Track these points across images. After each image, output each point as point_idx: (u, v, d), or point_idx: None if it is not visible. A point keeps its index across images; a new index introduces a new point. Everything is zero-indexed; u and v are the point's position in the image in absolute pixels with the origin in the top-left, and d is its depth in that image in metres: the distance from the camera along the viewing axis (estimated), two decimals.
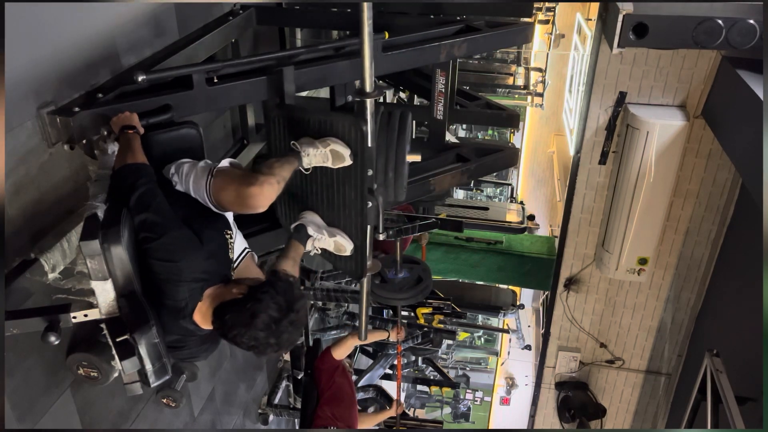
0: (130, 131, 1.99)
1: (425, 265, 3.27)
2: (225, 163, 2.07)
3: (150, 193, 1.81)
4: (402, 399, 5.00)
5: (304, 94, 4.71)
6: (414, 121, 4.73)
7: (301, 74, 2.62)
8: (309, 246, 2.47)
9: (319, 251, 2.53)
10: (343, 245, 2.51)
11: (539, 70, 8.96)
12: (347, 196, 2.42)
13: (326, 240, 2.49)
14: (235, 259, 2.12)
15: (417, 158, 2.72)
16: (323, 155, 2.29)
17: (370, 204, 2.41)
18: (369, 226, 2.49)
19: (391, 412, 4.63)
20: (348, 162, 2.31)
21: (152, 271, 1.78)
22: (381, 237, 2.59)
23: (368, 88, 2.21)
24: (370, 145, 2.30)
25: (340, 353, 4.06)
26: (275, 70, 2.55)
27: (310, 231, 2.47)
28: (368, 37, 2.07)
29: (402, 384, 10.04)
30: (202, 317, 1.82)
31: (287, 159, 2.20)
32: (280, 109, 2.51)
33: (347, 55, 2.81)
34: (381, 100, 2.27)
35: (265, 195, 1.92)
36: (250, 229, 2.68)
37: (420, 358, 6.71)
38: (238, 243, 2.17)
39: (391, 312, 6.04)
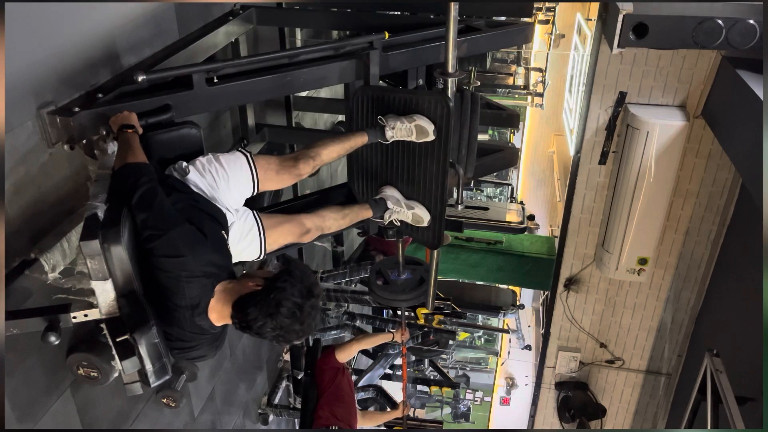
0: (128, 130, 1.99)
1: (428, 266, 3.26)
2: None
3: (151, 192, 1.80)
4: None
5: (304, 94, 4.73)
6: None
7: (389, 57, 2.85)
8: (387, 217, 2.67)
9: (398, 223, 2.70)
10: (422, 217, 2.69)
11: (539, 70, 8.96)
12: (428, 170, 2.59)
13: (405, 212, 2.67)
14: (259, 234, 2.17)
15: (486, 137, 2.84)
16: (408, 129, 2.49)
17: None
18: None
19: (398, 413, 4.61)
20: (431, 137, 2.49)
21: (161, 270, 1.77)
22: (460, 208, 2.84)
23: (451, 68, 2.44)
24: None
25: (344, 356, 4.06)
26: (363, 54, 2.75)
27: (389, 204, 2.67)
28: (453, 25, 2.34)
29: (402, 384, 10.01)
30: (217, 314, 1.82)
31: (342, 138, 2.45)
32: (366, 88, 2.70)
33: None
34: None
35: (300, 172, 2.27)
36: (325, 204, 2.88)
37: (426, 360, 6.70)
38: (247, 222, 2.17)
39: (392, 312, 6.04)
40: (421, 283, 3.25)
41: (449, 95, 2.48)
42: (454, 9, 2.33)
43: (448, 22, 2.36)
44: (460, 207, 2.85)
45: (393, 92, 2.65)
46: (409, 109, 2.53)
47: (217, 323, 1.84)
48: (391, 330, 4.68)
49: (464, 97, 2.80)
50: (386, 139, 2.53)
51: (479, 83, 3.00)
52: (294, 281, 1.73)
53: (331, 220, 2.46)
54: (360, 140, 2.51)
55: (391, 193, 2.72)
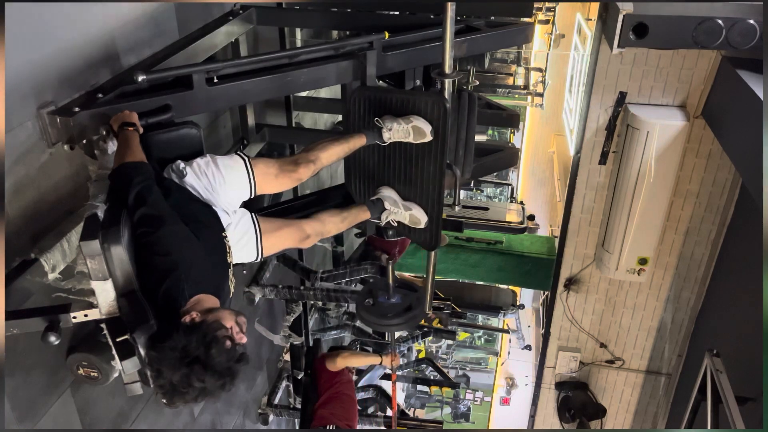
0: (129, 128, 1.99)
1: (422, 293, 3.12)
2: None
3: (147, 190, 1.81)
4: (400, 400, 4.86)
5: (304, 94, 4.73)
6: None
7: (388, 58, 2.84)
8: (384, 218, 2.65)
9: (395, 224, 2.68)
10: (419, 218, 2.67)
11: (539, 70, 8.96)
12: (425, 171, 2.58)
13: (402, 213, 2.66)
14: (256, 237, 2.16)
15: (483, 138, 2.82)
16: (405, 131, 2.48)
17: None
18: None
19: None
20: (428, 138, 2.48)
21: (151, 266, 1.77)
22: (457, 209, 2.82)
23: (447, 69, 2.43)
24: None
25: (333, 367, 4.07)
26: (360, 54, 2.76)
27: (387, 205, 2.64)
28: (450, 25, 2.35)
29: (402, 384, 10.04)
30: None
31: (341, 140, 2.45)
32: (363, 89, 2.69)
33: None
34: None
35: (300, 176, 2.26)
36: (323, 206, 2.85)
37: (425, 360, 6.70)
38: (244, 224, 2.16)
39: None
40: (408, 310, 3.12)
41: (446, 96, 2.47)
42: (451, 9, 2.31)
43: (444, 23, 2.34)
44: (457, 208, 2.83)
45: (390, 93, 2.64)
46: (407, 110, 2.52)
47: None
48: (381, 354, 4.49)
49: (462, 98, 2.78)
50: (384, 141, 2.52)
51: (478, 83, 3.00)
52: (199, 342, 1.58)
53: (331, 224, 2.46)
54: (359, 142, 2.51)
55: (388, 193, 2.71)
